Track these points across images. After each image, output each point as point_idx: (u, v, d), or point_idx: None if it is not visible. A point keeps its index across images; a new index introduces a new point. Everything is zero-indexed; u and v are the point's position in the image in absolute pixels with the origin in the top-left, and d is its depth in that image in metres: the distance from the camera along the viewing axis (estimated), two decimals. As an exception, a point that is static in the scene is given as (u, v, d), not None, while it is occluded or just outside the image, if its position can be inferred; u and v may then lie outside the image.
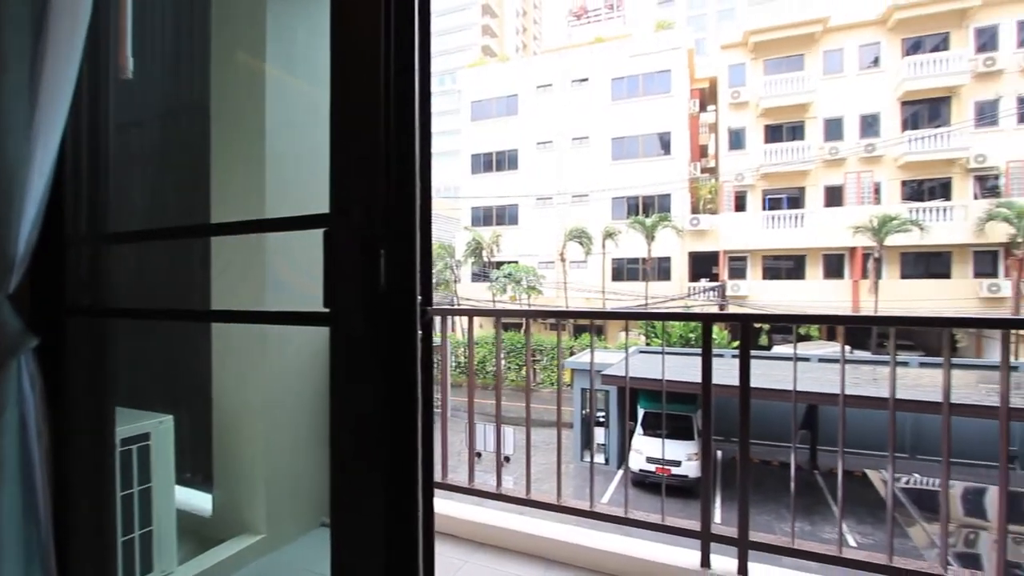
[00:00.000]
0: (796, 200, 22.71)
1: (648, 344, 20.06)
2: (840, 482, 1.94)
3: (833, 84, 22.07)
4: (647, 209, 24.64)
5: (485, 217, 28.57)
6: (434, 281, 28.57)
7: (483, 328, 22.47)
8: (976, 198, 19.78)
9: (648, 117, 24.98)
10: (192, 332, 2.37)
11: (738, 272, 22.66)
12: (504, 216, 28.13)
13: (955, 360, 14.20)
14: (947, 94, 20.45)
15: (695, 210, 24.81)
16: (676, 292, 23.22)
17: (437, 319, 2.84)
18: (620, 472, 13.46)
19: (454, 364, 22.46)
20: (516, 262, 25.84)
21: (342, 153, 0.82)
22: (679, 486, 11.14)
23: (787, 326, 20.98)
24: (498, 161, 28.46)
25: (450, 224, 35.44)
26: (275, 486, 2.10)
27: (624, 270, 24.98)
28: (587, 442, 15.00)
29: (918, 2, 20.62)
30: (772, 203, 23.13)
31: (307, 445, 2.17)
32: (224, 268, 2.14)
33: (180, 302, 2.42)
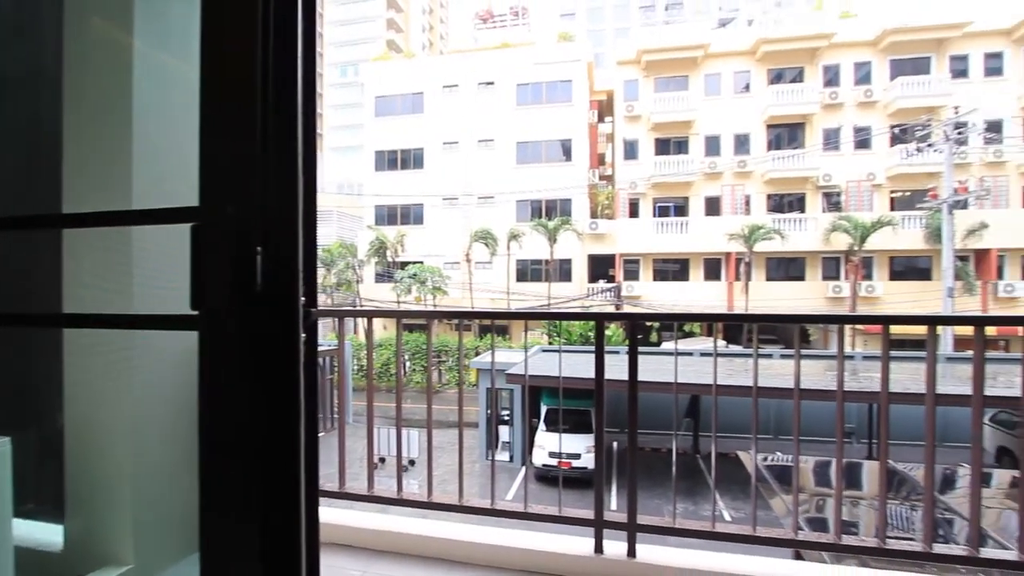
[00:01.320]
0: (682, 208, 24.86)
1: (551, 343, 20.72)
2: (714, 465, 2.15)
3: (712, 105, 24.47)
4: (550, 212, 25.51)
5: (390, 216, 27.83)
6: (335, 281, 27.24)
7: (387, 330, 21.84)
8: (824, 211, 23.03)
9: (551, 124, 25.88)
10: (38, 339, 2.03)
11: (632, 274, 24.28)
12: (409, 215, 27.61)
13: (806, 351, 16.36)
14: (802, 120, 23.64)
15: (594, 215, 26.15)
16: (576, 292, 24.29)
17: (333, 321, 2.71)
18: (524, 468, 13.75)
19: (356, 368, 21.58)
20: (421, 262, 25.46)
21: (213, 140, 0.74)
22: (580, 477, 11.63)
23: (673, 323, 22.86)
24: (403, 159, 27.88)
25: (353, 222, 33.96)
26: (144, 509, 1.86)
27: (528, 271, 25.64)
28: (492, 441, 15.14)
29: (779, 38, 23.55)
30: (661, 210, 25.11)
31: (184, 461, 1.96)
32: (80, 266, 1.86)
33: (21, 305, 2.07)
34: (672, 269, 24.20)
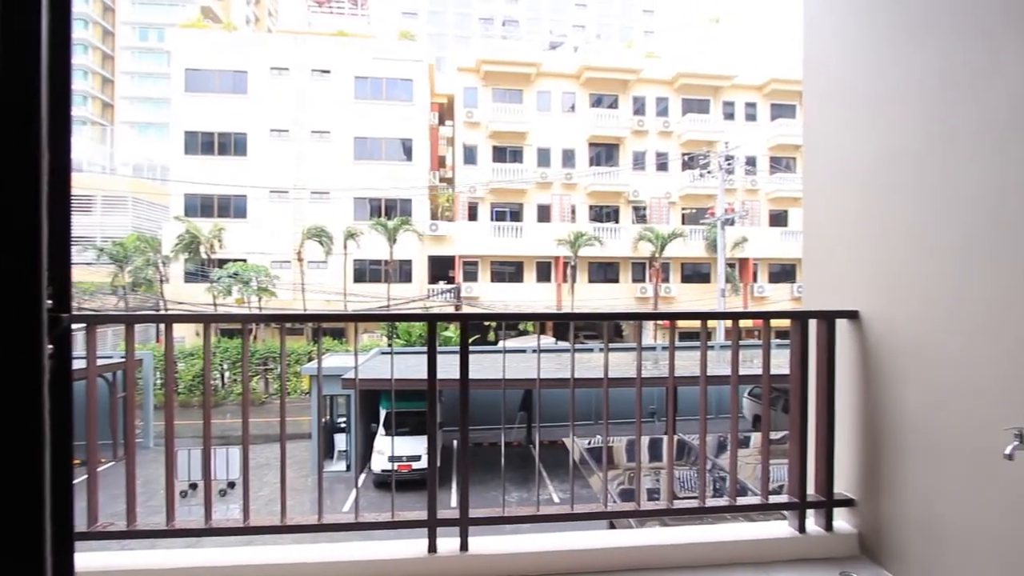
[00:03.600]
0: (517, 214, 26.40)
1: (391, 345, 20.25)
2: (537, 453, 2.32)
3: (544, 120, 26.46)
4: (389, 212, 24.90)
5: (204, 206, 24.28)
6: (130, 280, 22.84)
7: (200, 336, 18.99)
8: (633, 223, 26.57)
9: (391, 121, 25.28)
10: None
11: (471, 275, 24.99)
12: (229, 207, 24.45)
13: (620, 345, 18.56)
14: (616, 142, 26.96)
15: (434, 216, 26.26)
16: (417, 293, 24.11)
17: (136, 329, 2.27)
18: (363, 476, 13.21)
19: (157, 383, 18.36)
20: (244, 260, 22.76)
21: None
22: (422, 479, 11.49)
23: (510, 323, 24.16)
24: (222, 143, 24.58)
25: (155, 211, 29.07)
26: None
27: (367, 271, 24.66)
28: (323, 451, 14.25)
29: (599, 67, 26.49)
30: (498, 215, 26.33)
31: None
32: None
33: None
34: (508, 271, 25.56)
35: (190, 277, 23.38)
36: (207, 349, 2.10)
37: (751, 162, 27.17)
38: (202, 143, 24.52)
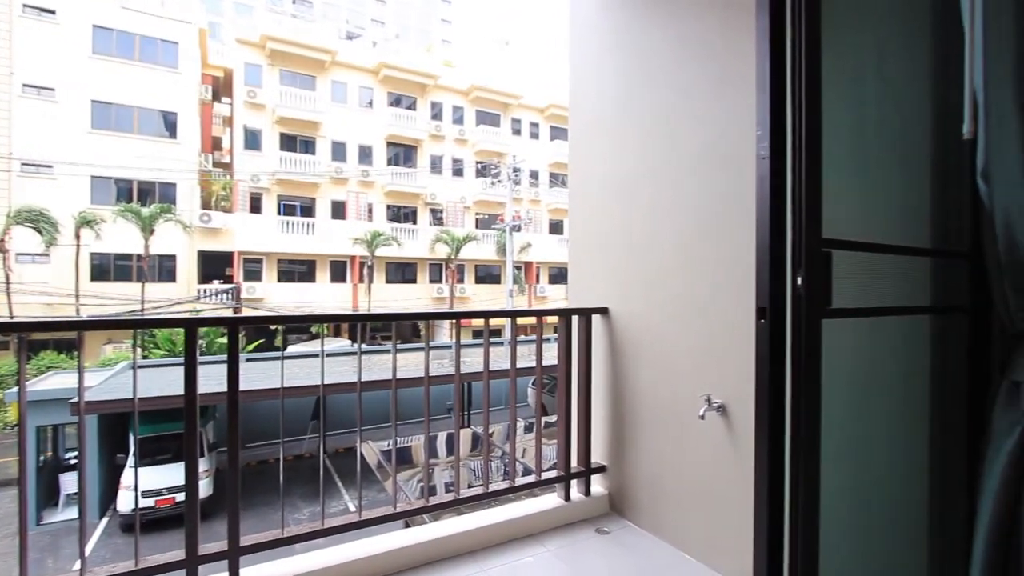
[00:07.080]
0: (309, 209, 24.43)
1: (146, 356, 16.87)
2: (322, 461, 2.21)
3: (339, 112, 25.07)
4: (144, 196, 20.60)
5: None
6: None
7: None
8: (431, 224, 27.08)
9: (147, 88, 20.96)
10: None
11: (254, 274, 22.22)
12: None
13: (413, 345, 18.73)
14: (414, 144, 27.12)
15: (207, 206, 22.62)
16: (184, 294, 20.44)
17: None
18: (106, 520, 10.78)
19: None
20: None
21: None
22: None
23: (302, 326, 22.26)
24: None
25: None
26: None
27: (112, 268, 20.00)
28: (50, 496, 11.31)
29: (398, 67, 26.27)
30: (287, 209, 23.96)
31: None
32: None
33: None
34: (298, 270, 23.49)
35: None
36: None
37: (534, 175, 30.28)
38: None
